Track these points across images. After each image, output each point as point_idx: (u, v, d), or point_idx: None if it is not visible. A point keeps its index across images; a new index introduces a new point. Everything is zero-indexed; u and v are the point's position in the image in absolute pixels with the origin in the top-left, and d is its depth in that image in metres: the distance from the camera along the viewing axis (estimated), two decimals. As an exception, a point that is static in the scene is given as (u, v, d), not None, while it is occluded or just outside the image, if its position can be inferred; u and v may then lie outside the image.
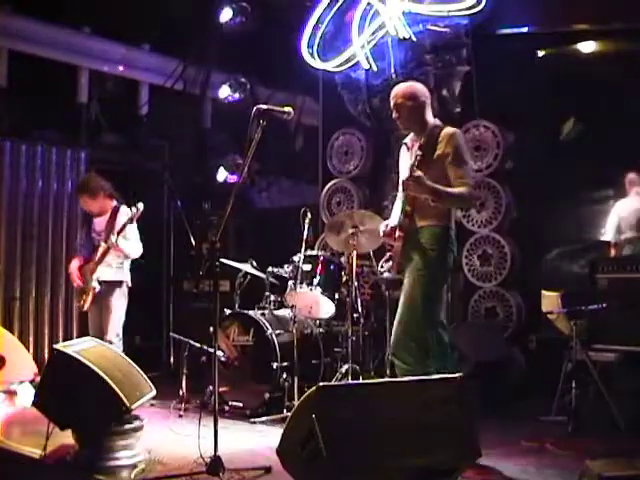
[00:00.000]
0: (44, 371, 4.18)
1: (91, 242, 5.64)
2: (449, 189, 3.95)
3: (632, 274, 4.90)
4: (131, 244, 5.49)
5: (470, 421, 3.24)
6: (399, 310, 4.06)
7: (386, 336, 5.28)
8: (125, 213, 5.50)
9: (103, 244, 5.42)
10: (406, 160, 4.23)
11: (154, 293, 7.72)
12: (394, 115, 4.21)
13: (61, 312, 7.17)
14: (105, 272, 5.45)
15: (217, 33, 7.57)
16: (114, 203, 5.59)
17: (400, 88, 4.24)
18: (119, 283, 5.51)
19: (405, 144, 4.30)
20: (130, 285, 5.59)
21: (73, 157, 7.30)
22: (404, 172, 4.16)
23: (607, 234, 6.30)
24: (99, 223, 5.60)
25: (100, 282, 5.41)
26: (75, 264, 5.61)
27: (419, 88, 4.22)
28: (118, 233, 5.36)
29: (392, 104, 4.21)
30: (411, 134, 4.27)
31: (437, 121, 4.20)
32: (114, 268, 5.49)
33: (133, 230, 5.51)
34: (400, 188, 4.16)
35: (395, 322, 4.06)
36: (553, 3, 6.11)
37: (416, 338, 3.95)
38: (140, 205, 5.31)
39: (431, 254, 4.00)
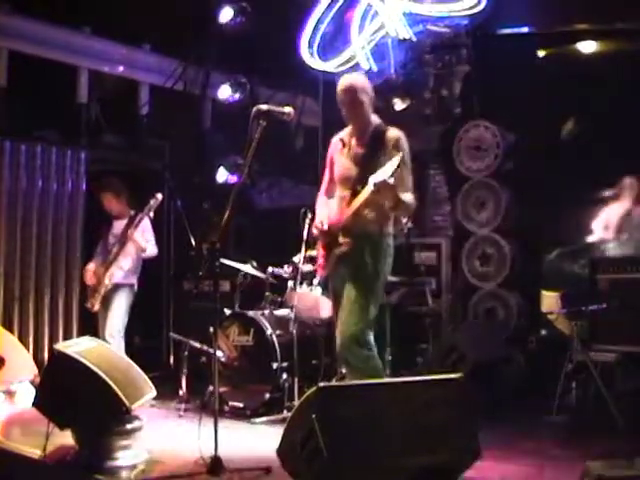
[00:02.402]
0: (44, 371, 4.19)
1: (107, 249, 5.77)
2: (404, 198, 3.81)
3: (632, 274, 4.91)
4: (149, 243, 5.68)
5: (470, 421, 3.24)
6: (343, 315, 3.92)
7: (385, 336, 5.29)
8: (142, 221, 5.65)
9: (118, 245, 5.58)
10: (342, 157, 4.02)
11: (154, 293, 7.71)
12: (345, 109, 3.94)
13: (61, 312, 7.15)
14: (116, 274, 5.59)
15: (217, 33, 7.56)
16: (132, 211, 5.75)
17: (354, 80, 3.98)
18: (128, 286, 5.67)
19: (342, 140, 4.06)
20: (136, 289, 5.73)
21: (73, 157, 7.28)
22: (344, 169, 3.99)
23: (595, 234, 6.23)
24: (118, 226, 5.75)
25: (112, 284, 5.56)
26: (91, 266, 5.77)
27: (367, 81, 4.01)
28: (136, 225, 5.51)
29: (344, 96, 3.92)
30: (347, 129, 4.05)
31: (377, 119, 4.02)
32: (125, 271, 5.64)
33: (150, 230, 5.69)
34: (340, 189, 3.99)
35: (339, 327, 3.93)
36: (553, 3, 6.11)
37: (358, 339, 3.86)
38: (159, 195, 5.41)
39: (369, 262, 3.90)
